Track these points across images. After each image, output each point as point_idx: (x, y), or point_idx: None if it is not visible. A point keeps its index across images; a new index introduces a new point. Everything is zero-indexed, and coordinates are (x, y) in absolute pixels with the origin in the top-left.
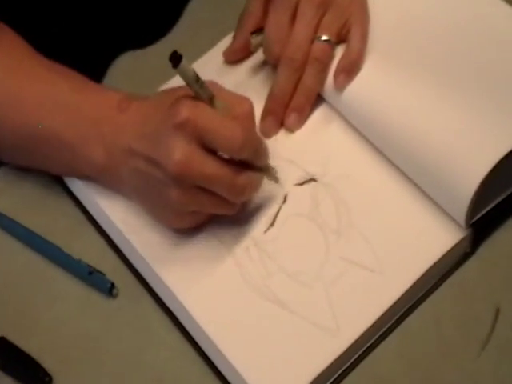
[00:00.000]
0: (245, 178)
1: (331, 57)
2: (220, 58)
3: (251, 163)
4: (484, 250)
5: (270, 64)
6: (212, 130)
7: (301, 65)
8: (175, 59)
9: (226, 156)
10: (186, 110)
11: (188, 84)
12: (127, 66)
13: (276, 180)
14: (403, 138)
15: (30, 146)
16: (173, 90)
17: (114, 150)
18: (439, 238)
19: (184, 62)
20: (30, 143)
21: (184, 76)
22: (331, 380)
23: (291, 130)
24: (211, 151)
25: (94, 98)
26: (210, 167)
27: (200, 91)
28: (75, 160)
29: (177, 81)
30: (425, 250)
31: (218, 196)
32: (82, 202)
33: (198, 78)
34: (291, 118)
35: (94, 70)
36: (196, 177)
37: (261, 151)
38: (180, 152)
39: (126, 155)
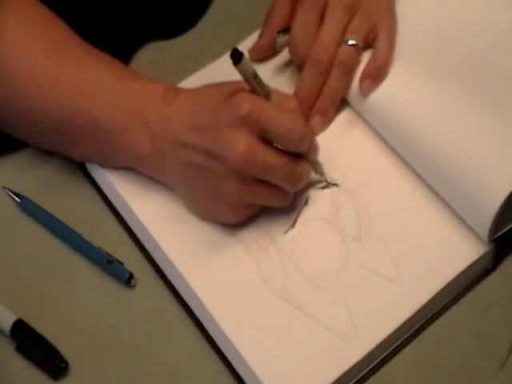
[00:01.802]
0: (302, 167)
1: (357, 61)
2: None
3: (304, 155)
4: (506, 266)
5: (296, 64)
6: (274, 123)
7: (326, 67)
8: (236, 56)
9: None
10: (248, 104)
11: (247, 80)
12: (151, 56)
13: (322, 174)
14: (428, 148)
15: (63, 130)
16: (223, 84)
17: (161, 141)
18: (461, 251)
19: (245, 59)
20: (65, 127)
21: (244, 72)
22: None
23: (314, 133)
24: (268, 143)
25: (136, 87)
26: (271, 158)
27: (258, 87)
28: (111, 147)
29: (198, 76)
30: (445, 263)
31: (275, 187)
32: (103, 190)
33: (256, 75)
34: (315, 120)
35: (118, 58)
36: (258, 169)
37: (314, 144)
38: (243, 145)
39: (176, 147)
